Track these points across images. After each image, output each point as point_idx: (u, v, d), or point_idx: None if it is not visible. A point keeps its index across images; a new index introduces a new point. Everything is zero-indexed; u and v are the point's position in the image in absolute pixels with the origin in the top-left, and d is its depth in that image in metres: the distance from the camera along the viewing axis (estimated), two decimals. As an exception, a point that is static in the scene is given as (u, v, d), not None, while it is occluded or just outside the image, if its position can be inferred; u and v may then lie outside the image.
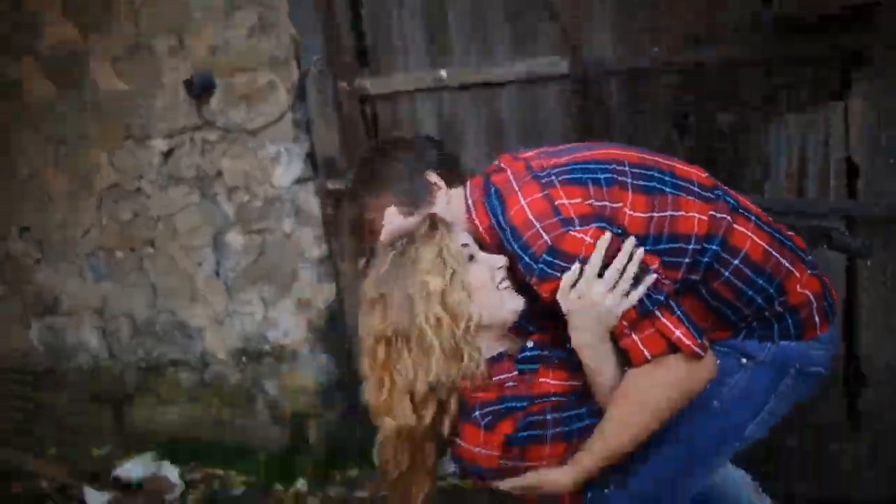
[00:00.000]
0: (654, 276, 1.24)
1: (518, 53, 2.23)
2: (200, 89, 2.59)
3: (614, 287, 1.23)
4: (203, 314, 2.88)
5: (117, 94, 2.74)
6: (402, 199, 1.42)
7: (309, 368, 2.78)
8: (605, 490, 1.40)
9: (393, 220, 1.43)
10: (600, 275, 1.24)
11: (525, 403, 1.31)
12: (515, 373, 1.36)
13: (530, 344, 1.40)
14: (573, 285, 1.25)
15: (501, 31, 2.24)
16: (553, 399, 1.33)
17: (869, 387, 1.97)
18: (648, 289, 1.24)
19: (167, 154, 2.74)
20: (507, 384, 1.34)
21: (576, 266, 1.24)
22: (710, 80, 1.98)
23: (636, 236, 1.28)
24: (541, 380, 1.35)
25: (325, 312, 2.72)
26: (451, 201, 1.43)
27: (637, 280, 1.24)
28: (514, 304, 1.38)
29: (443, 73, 2.33)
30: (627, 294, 1.24)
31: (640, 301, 1.23)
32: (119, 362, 3.10)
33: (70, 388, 3.22)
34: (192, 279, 2.85)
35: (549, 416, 1.31)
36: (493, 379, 1.35)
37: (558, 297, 1.27)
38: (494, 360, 1.37)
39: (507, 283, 1.39)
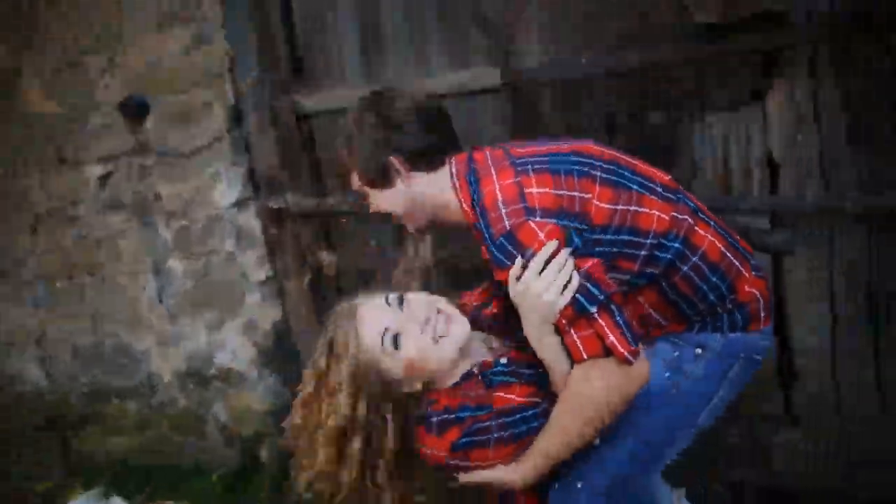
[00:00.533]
0: (586, 275, 1.28)
1: (454, 65, 2.24)
2: (136, 111, 2.56)
3: (554, 282, 1.27)
4: (148, 339, 2.84)
5: (49, 115, 2.68)
6: (363, 170, 1.50)
7: (258, 389, 2.75)
8: (578, 483, 1.44)
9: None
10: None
11: (479, 413, 1.35)
12: (482, 390, 1.40)
13: (504, 360, 1.44)
14: (518, 277, 1.29)
15: (437, 44, 2.26)
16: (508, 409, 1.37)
17: (800, 380, 2.03)
18: (587, 287, 1.27)
19: (104, 178, 2.70)
20: (471, 396, 1.39)
21: (519, 260, 1.28)
22: (639, 83, 2.02)
23: (600, 225, 1.33)
24: (506, 395, 1.38)
25: (272, 333, 2.69)
26: (414, 185, 1.48)
27: (571, 279, 1.27)
28: (459, 331, 1.40)
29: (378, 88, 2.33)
30: (563, 291, 1.27)
31: (577, 299, 1.27)
32: (62, 391, 3.03)
33: (13, 419, 3.13)
34: (136, 305, 2.81)
35: (494, 422, 1.35)
36: (461, 392, 1.40)
37: (508, 286, 1.31)
38: (464, 379, 1.42)
39: (441, 325, 1.40)
